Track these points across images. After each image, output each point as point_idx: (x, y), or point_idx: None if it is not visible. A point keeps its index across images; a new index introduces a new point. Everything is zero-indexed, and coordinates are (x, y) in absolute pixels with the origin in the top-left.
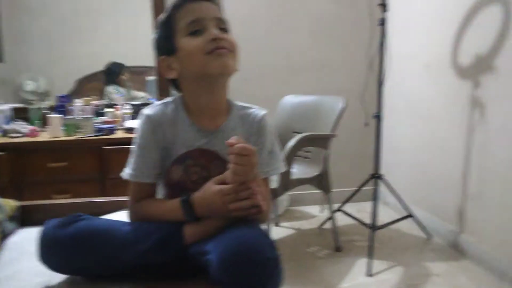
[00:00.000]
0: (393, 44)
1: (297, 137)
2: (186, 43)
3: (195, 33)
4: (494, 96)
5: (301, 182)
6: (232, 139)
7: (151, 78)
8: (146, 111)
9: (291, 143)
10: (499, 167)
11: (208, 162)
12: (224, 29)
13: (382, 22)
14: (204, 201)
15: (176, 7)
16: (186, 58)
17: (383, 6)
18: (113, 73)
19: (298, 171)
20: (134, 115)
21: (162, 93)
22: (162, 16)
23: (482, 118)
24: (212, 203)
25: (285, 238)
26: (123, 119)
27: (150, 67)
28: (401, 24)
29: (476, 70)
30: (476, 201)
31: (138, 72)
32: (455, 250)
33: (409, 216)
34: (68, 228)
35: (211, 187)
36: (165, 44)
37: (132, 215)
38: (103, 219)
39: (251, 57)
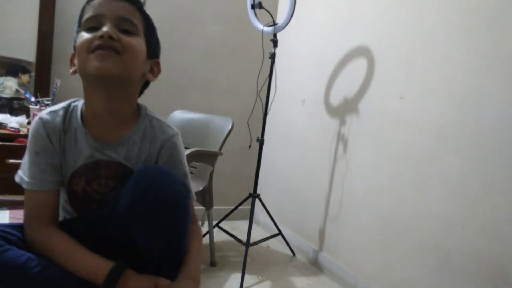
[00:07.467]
0: (279, 77)
1: (188, 151)
2: (79, 38)
3: (91, 29)
4: (354, 134)
5: None
6: None
7: None
8: (42, 114)
9: None
10: (353, 195)
11: (113, 173)
12: (126, 31)
13: (272, 56)
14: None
15: (88, 1)
16: (77, 54)
17: (274, 42)
18: None
19: None
20: (3, 109)
21: (39, 90)
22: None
23: (344, 151)
24: None
25: None
26: None
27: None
28: (287, 61)
29: (343, 110)
30: (334, 223)
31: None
32: (315, 266)
33: (278, 234)
34: None
35: None
36: (75, 38)
37: (31, 239)
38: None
39: None
